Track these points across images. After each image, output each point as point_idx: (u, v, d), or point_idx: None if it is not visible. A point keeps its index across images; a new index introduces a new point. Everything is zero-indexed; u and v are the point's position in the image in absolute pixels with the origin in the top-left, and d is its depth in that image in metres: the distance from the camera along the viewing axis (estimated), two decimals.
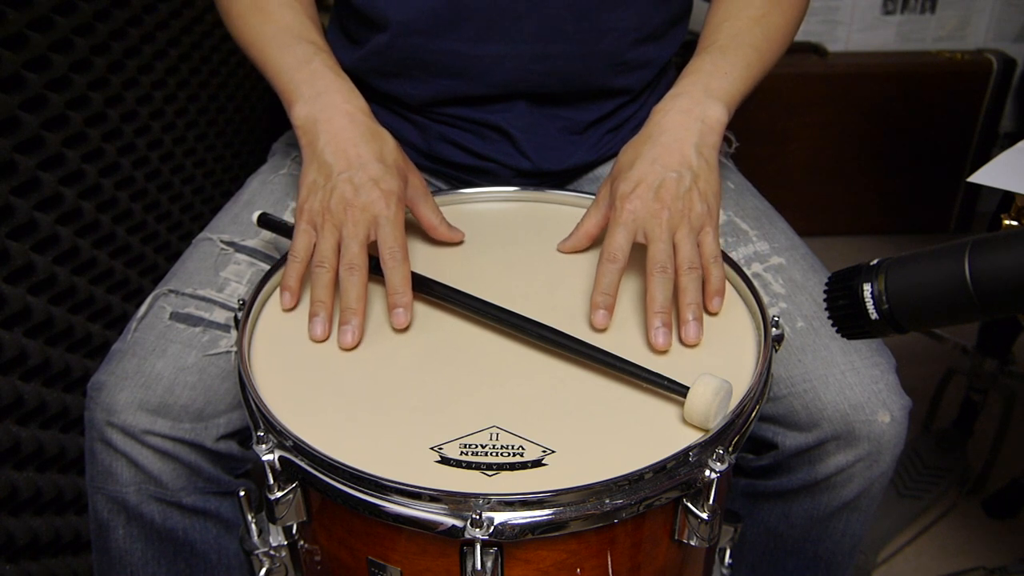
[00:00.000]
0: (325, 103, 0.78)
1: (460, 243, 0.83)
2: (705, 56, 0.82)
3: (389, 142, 0.78)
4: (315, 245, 0.73)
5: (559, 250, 0.82)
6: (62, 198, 1.03)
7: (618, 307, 0.74)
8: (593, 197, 0.87)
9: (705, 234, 0.73)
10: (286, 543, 0.71)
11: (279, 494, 0.60)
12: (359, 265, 0.71)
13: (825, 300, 0.56)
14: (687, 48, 0.90)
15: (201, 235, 0.88)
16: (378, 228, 0.72)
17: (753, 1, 0.84)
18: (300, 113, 0.78)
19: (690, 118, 0.77)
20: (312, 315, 0.71)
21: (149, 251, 1.27)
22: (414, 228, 0.86)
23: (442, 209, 0.88)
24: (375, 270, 0.73)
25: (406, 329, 0.72)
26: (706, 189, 0.74)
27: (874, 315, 0.53)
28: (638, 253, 0.81)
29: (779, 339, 0.70)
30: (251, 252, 0.86)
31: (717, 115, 0.77)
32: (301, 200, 0.76)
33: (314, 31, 0.85)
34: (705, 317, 0.72)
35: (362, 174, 0.74)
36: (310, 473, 0.58)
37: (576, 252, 0.81)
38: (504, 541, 0.56)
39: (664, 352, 0.69)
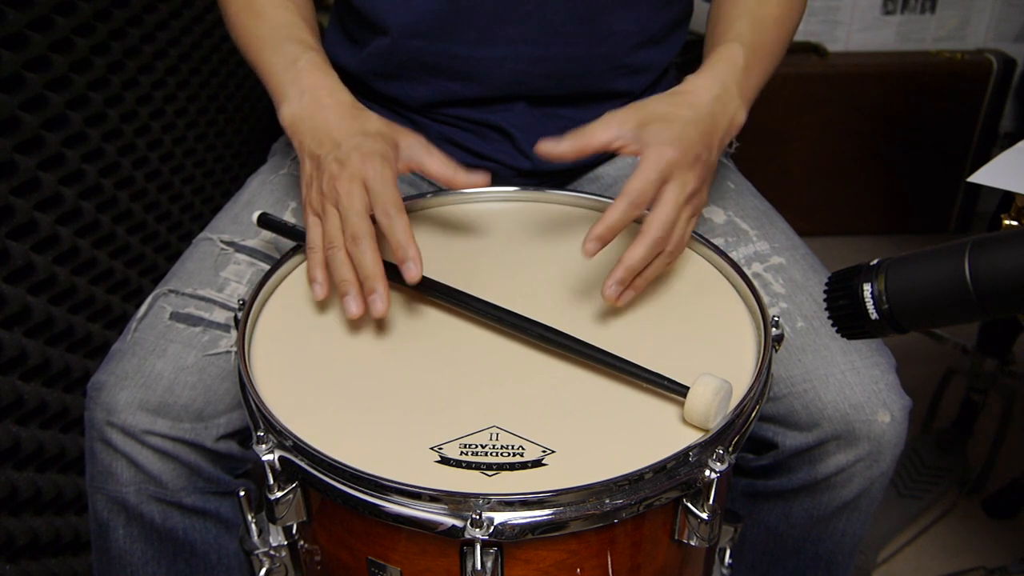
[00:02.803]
0: (309, 100, 0.77)
1: (487, 184, 0.79)
2: (738, 48, 0.79)
3: (371, 117, 0.77)
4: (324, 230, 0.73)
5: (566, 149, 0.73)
6: (62, 198, 1.03)
7: (617, 307, 0.74)
8: (593, 197, 0.87)
9: (693, 223, 0.74)
10: (286, 543, 0.71)
11: (279, 494, 0.60)
12: (363, 233, 0.69)
13: (825, 300, 0.56)
14: (688, 50, 0.90)
15: (201, 235, 0.88)
16: (369, 191, 0.71)
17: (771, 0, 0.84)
18: (286, 114, 0.79)
19: (724, 114, 0.75)
20: (342, 296, 0.70)
21: (149, 251, 1.27)
22: (416, 233, 0.86)
23: (442, 209, 0.88)
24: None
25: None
26: (710, 183, 0.75)
27: (874, 315, 0.53)
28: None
29: (779, 339, 0.70)
30: (251, 252, 0.86)
31: (741, 120, 0.77)
32: (303, 197, 0.76)
33: (305, 29, 0.84)
34: (705, 316, 0.73)
35: (345, 148, 0.73)
36: (310, 473, 0.58)
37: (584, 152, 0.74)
38: (504, 541, 0.56)
39: (615, 304, 0.70)
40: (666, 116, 0.72)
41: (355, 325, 0.72)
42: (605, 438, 0.61)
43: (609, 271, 0.70)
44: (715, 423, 0.60)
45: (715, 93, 0.75)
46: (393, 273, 0.75)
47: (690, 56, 1.79)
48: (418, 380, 0.67)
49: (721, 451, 0.58)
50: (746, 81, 0.78)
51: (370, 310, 0.68)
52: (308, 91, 0.78)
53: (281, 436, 0.60)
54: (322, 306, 0.74)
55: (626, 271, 0.69)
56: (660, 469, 0.57)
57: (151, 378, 0.77)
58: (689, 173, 0.70)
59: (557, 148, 0.73)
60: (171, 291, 0.82)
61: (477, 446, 0.60)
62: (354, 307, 0.69)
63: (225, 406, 0.80)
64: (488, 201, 0.90)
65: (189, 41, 1.40)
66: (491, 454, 0.59)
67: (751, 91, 0.79)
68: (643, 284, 0.71)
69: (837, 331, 0.56)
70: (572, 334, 0.67)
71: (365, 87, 0.94)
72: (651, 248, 0.69)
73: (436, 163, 0.77)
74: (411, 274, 0.68)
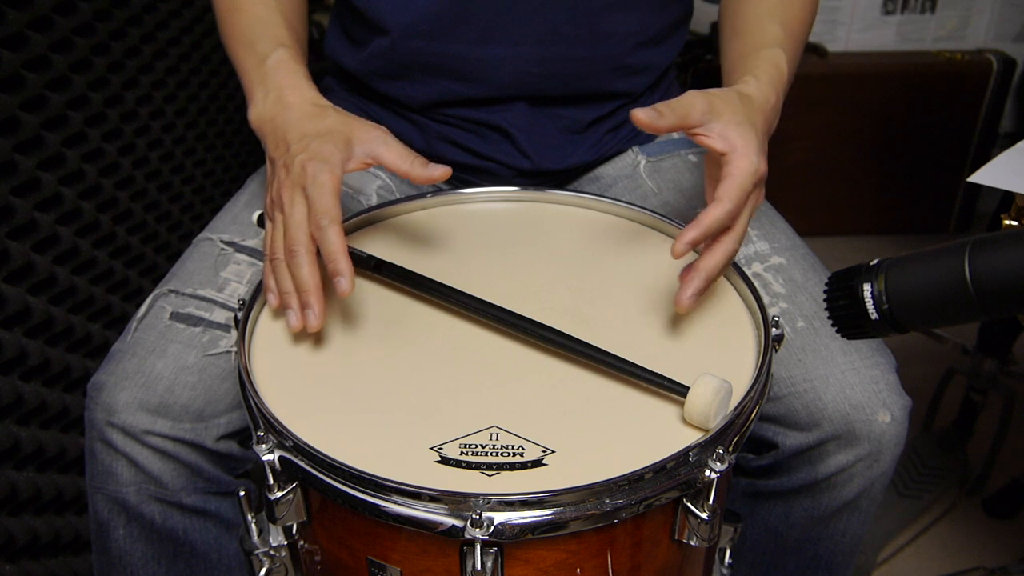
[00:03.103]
0: (273, 101, 0.76)
1: (447, 177, 0.73)
2: (781, 55, 0.78)
3: (328, 114, 0.74)
4: None
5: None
6: (62, 198, 1.03)
7: (617, 306, 0.74)
8: (593, 197, 0.87)
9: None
10: (286, 543, 0.71)
11: (279, 494, 0.60)
12: (299, 246, 0.67)
13: (825, 300, 0.56)
14: (688, 50, 0.90)
15: (201, 235, 0.88)
16: (308, 198, 0.68)
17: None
18: (252, 116, 0.77)
19: (774, 124, 0.75)
20: (284, 308, 0.69)
21: (149, 251, 1.27)
22: (409, 231, 0.86)
23: (442, 209, 0.88)
24: (361, 263, 0.73)
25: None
26: None
27: (874, 315, 0.53)
28: (636, 255, 0.81)
29: (779, 339, 0.70)
30: (251, 252, 0.86)
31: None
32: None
33: (280, 25, 0.82)
34: (705, 316, 0.73)
35: (292, 151, 0.71)
36: (310, 473, 0.58)
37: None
38: (504, 541, 0.56)
39: (685, 310, 0.68)
40: (749, 122, 0.70)
41: (355, 325, 0.72)
42: (605, 438, 0.61)
43: (611, 279, 0.68)
44: (715, 423, 0.60)
45: (773, 103, 0.75)
46: (393, 272, 0.75)
47: (690, 56, 1.79)
48: (418, 380, 0.67)
49: (721, 451, 0.58)
50: (786, 89, 0.78)
51: (307, 323, 0.67)
52: (273, 91, 0.76)
53: (281, 436, 0.60)
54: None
55: (703, 233, 0.66)
56: (660, 469, 0.57)
57: (151, 378, 0.77)
58: (762, 186, 0.70)
59: (656, 120, 0.67)
60: (171, 291, 0.82)
61: (477, 446, 0.60)
62: (293, 320, 0.68)
63: (225, 406, 0.80)
64: (488, 201, 0.90)
65: (189, 41, 1.40)
66: (491, 454, 0.59)
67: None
68: (711, 273, 0.68)
69: (837, 331, 0.56)
70: (572, 334, 0.67)
71: (365, 87, 0.94)
72: (727, 258, 0.68)
73: (392, 155, 0.72)
74: (340, 288, 0.65)
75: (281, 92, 0.76)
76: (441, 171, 0.72)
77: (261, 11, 0.83)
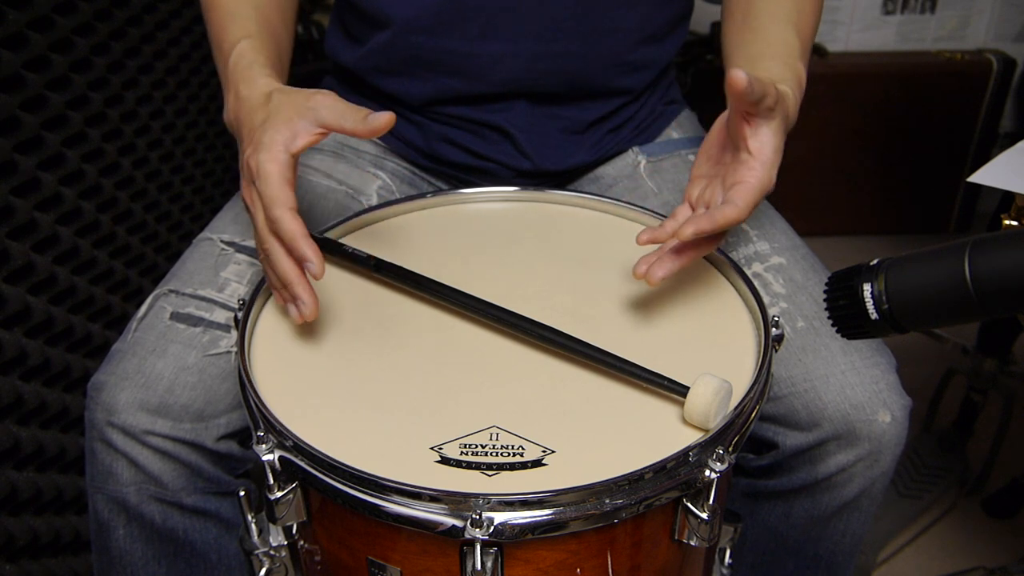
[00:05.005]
0: (233, 99, 0.74)
1: (391, 123, 0.66)
2: (804, 75, 0.77)
3: (272, 98, 0.70)
4: None
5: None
6: (62, 198, 1.03)
7: (617, 306, 0.74)
8: (593, 197, 0.87)
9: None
10: (286, 543, 0.71)
11: (279, 494, 0.60)
12: (268, 244, 0.66)
13: (825, 300, 0.56)
14: (688, 49, 0.90)
15: (201, 235, 0.88)
16: (259, 192, 0.66)
17: None
18: (225, 119, 0.76)
19: (790, 120, 0.74)
20: (283, 303, 0.69)
21: (149, 251, 1.27)
22: (409, 231, 0.86)
23: (442, 209, 0.88)
24: (361, 263, 0.73)
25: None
26: None
27: (874, 315, 0.53)
28: (636, 255, 0.81)
29: (779, 339, 0.70)
30: (251, 252, 0.85)
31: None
32: None
33: (249, 17, 0.79)
34: (705, 316, 0.73)
35: (244, 147, 0.70)
36: (310, 473, 0.58)
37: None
38: (504, 541, 0.56)
39: (642, 278, 0.69)
40: (783, 136, 0.70)
41: (355, 325, 0.72)
42: (605, 438, 0.61)
43: (611, 279, 0.69)
44: (715, 423, 0.60)
45: (791, 124, 0.74)
46: (393, 272, 0.75)
47: (690, 56, 1.79)
48: (418, 380, 0.67)
49: (721, 451, 0.58)
50: (804, 74, 0.77)
51: (302, 313, 0.67)
52: (232, 88, 0.74)
53: (281, 436, 0.60)
54: (321, 306, 0.74)
55: (713, 230, 0.65)
56: (660, 469, 0.57)
57: (151, 378, 0.77)
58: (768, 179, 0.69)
59: (753, 87, 0.63)
60: (171, 291, 0.82)
61: (477, 446, 0.60)
62: (292, 312, 0.68)
63: (225, 406, 0.80)
64: (488, 201, 0.90)
65: (189, 41, 1.40)
66: (491, 454, 0.59)
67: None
68: (686, 261, 0.69)
69: (837, 331, 0.56)
70: (572, 334, 0.67)
71: (365, 85, 0.94)
72: (713, 232, 0.67)
73: (332, 116, 0.67)
74: (312, 271, 0.64)
75: (237, 88, 0.74)
76: (385, 119, 0.66)
77: (233, 5, 0.81)
